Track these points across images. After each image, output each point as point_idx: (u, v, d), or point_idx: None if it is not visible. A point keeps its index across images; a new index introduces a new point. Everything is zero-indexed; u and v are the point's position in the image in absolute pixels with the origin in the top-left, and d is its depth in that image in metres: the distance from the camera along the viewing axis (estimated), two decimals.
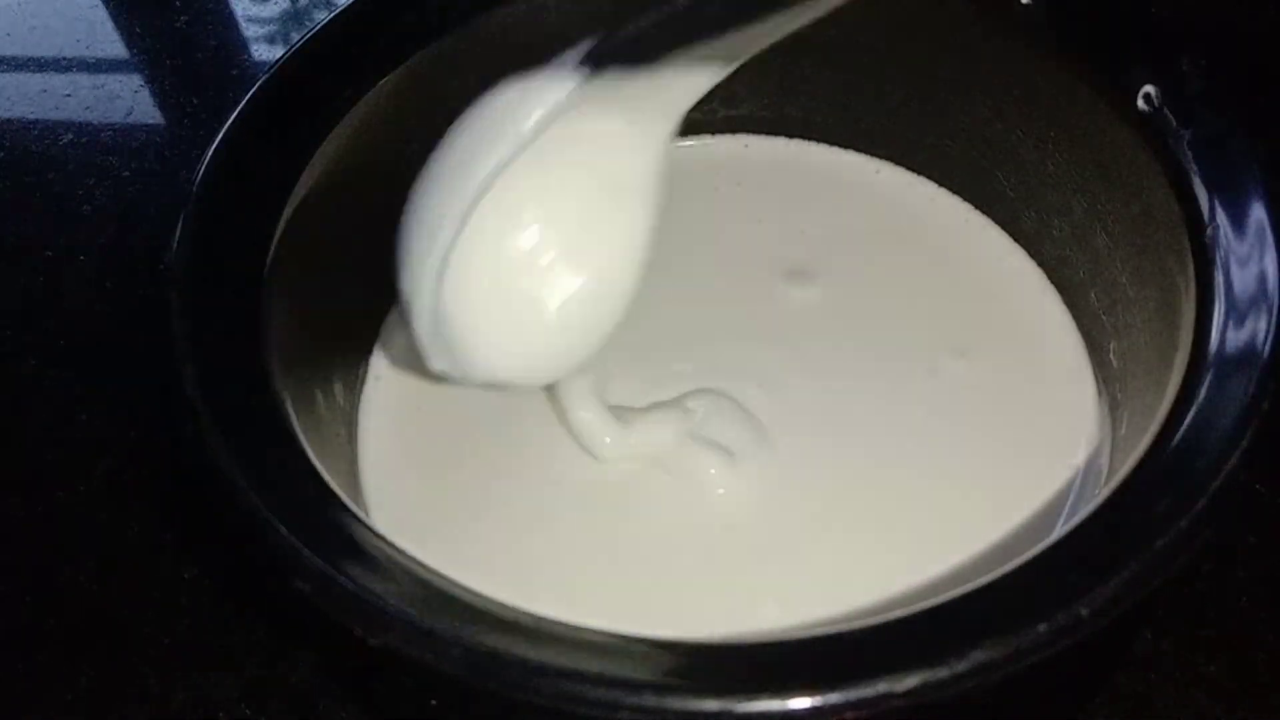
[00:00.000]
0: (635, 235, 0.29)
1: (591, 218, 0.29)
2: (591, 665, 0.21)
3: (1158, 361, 0.28)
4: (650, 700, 0.20)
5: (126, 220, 0.46)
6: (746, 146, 0.41)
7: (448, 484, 0.33)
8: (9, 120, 0.51)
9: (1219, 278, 0.26)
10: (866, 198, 0.39)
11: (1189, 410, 0.24)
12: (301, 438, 0.26)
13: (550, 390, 0.33)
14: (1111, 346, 0.33)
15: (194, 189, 0.29)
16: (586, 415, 0.32)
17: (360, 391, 0.35)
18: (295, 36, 0.32)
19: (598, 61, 0.26)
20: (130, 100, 0.51)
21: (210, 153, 0.30)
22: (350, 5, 0.33)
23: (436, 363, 0.29)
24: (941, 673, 0.20)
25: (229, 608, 0.34)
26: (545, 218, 0.28)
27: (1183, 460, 0.23)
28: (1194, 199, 0.28)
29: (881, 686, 0.20)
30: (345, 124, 0.31)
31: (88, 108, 0.51)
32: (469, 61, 0.34)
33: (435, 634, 0.21)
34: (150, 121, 0.51)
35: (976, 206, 0.38)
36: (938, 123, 0.37)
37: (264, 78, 0.31)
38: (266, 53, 0.53)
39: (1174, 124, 0.29)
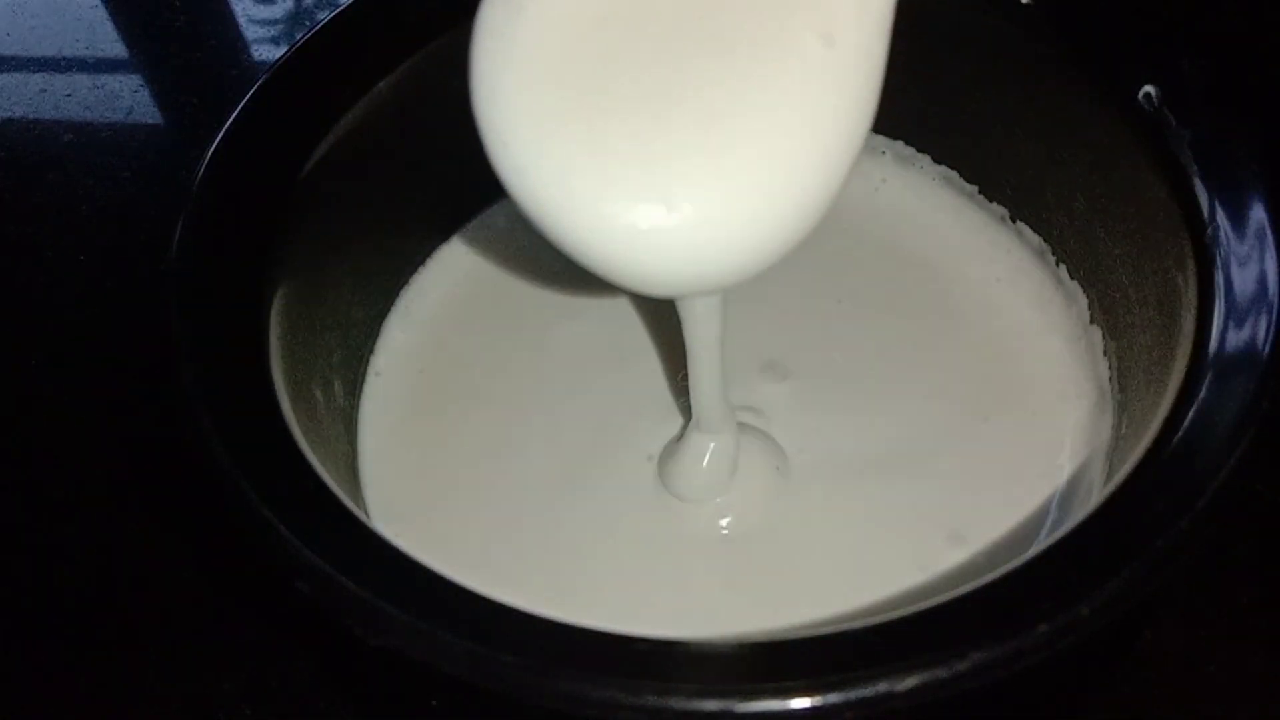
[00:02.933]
0: (860, 87, 0.22)
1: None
2: (592, 665, 0.21)
3: (1158, 361, 0.28)
4: (650, 700, 0.20)
5: (126, 220, 0.46)
6: None
7: (448, 483, 0.33)
8: (9, 120, 0.51)
9: (1219, 278, 0.26)
10: (865, 193, 0.39)
11: (1189, 410, 0.24)
12: (301, 437, 0.26)
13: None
14: (1111, 346, 0.33)
15: (194, 189, 0.29)
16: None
17: (360, 391, 0.35)
18: (297, 36, 0.32)
19: None
20: (130, 100, 0.51)
21: (210, 153, 0.30)
22: (350, 5, 0.33)
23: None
24: (942, 673, 0.20)
25: (229, 608, 0.34)
26: None
27: (1183, 460, 0.23)
28: (1194, 199, 0.28)
29: (882, 686, 0.20)
30: (345, 123, 0.31)
31: (88, 108, 0.51)
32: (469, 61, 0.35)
33: (435, 634, 0.21)
34: (150, 121, 0.51)
35: (975, 206, 0.38)
36: (936, 122, 0.37)
37: (264, 77, 0.31)
38: (267, 53, 0.53)
39: (1174, 124, 0.29)
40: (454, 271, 0.38)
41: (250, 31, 0.54)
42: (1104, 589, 0.21)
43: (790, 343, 0.35)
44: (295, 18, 0.55)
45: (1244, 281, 0.26)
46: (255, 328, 0.27)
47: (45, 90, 0.52)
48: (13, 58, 0.54)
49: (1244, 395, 0.24)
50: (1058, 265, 0.36)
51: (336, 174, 0.31)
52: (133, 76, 0.53)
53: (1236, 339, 0.25)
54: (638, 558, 0.31)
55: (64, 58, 0.53)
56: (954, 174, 0.38)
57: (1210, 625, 0.32)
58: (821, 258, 0.38)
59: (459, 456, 0.34)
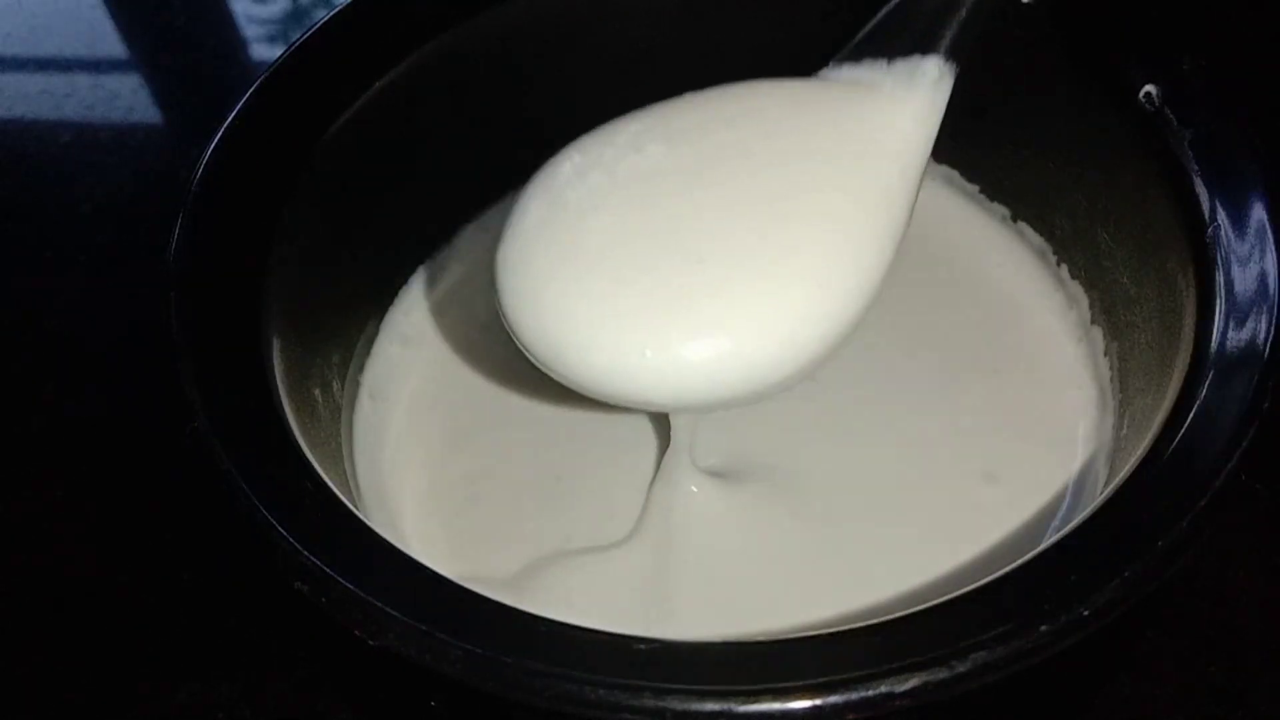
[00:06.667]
0: (877, 245, 0.25)
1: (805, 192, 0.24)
2: (591, 665, 0.21)
3: (1158, 362, 0.28)
4: (650, 700, 0.20)
5: (126, 220, 0.46)
6: None
7: (446, 483, 0.33)
8: (9, 120, 0.51)
9: (1219, 278, 0.26)
10: None
11: (1189, 410, 0.24)
12: (300, 438, 0.26)
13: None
14: (1112, 347, 0.33)
15: (194, 189, 0.29)
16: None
17: (358, 391, 0.35)
18: (295, 36, 0.32)
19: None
20: (130, 100, 0.51)
21: (210, 152, 0.30)
22: (348, 4, 0.33)
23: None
24: (942, 673, 0.20)
25: (229, 608, 0.34)
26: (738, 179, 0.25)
27: (1183, 460, 0.23)
28: (1194, 199, 0.28)
29: (882, 687, 0.20)
30: (344, 123, 0.31)
31: (88, 108, 0.51)
32: (468, 60, 0.35)
33: (435, 634, 0.21)
34: (150, 121, 0.51)
35: (975, 206, 0.38)
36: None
37: (263, 77, 0.31)
38: (266, 53, 0.53)
39: (1174, 124, 0.29)
40: (453, 271, 0.38)
41: (250, 31, 0.54)
42: (1105, 589, 0.21)
43: None
44: (294, 17, 0.55)
45: (1244, 281, 0.26)
46: (254, 328, 0.27)
47: (45, 90, 0.52)
48: (13, 58, 0.54)
49: (1244, 395, 0.24)
50: (1059, 265, 0.36)
51: (335, 173, 0.31)
52: (133, 76, 0.53)
53: (1236, 339, 0.25)
54: (641, 559, 0.31)
55: (64, 58, 0.53)
56: (955, 173, 0.38)
57: (1210, 625, 0.32)
58: None
59: (458, 456, 0.34)
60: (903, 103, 0.27)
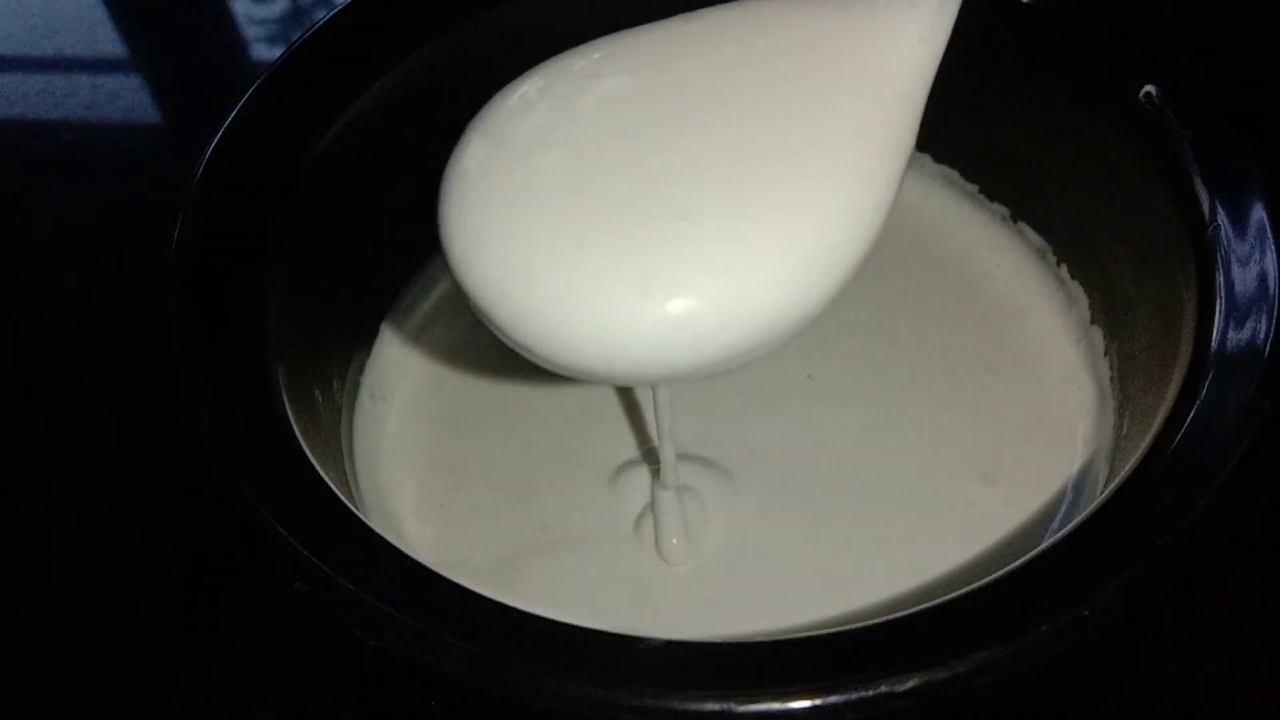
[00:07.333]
0: (878, 185, 0.22)
1: (802, 124, 0.22)
2: (591, 665, 0.21)
3: (1158, 362, 0.28)
4: (650, 700, 0.20)
5: (126, 220, 0.46)
6: None
7: (442, 481, 0.33)
8: (9, 120, 0.51)
9: (1220, 278, 0.26)
10: None
11: (1190, 410, 0.24)
12: (300, 437, 0.26)
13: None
14: (1112, 347, 0.33)
15: (194, 189, 0.29)
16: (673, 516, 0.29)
17: (358, 391, 0.35)
18: (295, 36, 0.32)
19: None
20: (130, 100, 0.51)
21: (210, 152, 0.30)
22: (349, 4, 0.33)
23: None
24: (942, 673, 0.20)
25: (229, 608, 0.34)
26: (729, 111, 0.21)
27: (1183, 460, 0.23)
28: (1194, 199, 0.28)
29: (882, 687, 0.20)
30: (344, 123, 0.31)
31: (88, 108, 0.51)
32: (468, 60, 0.35)
33: (435, 634, 0.21)
34: (150, 121, 0.51)
35: (975, 206, 0.38)
36: (936, 121, 0.37)
37: (263, 77, 0.31)
38: (266, 53, 0.53)
39: (1174, 124, 0.29)
40: None
41: (250, 31, 0.54)
42: (1105, 589, 0.21)
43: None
44: (294, 18, 0.55)
45: (1244, 281, 0.26)
46: (255, 328, 0.27)
47: (45, 90, 0.52)
48: (13, 58, 0.54)
49: (1244, 395, 0.24)
50: (1059, 265, 0.36)
51: (336, 172, 0.31)
52: (133, 76, 0.53)
53: (1237, 339, 0.25)
54: (641, 560, 0.31)
55: (64, 58, 0.53)
56: (954, 173, 0.38)
57: (1210, 625, 0.32)
58: None
59: (457, 456, 0.34)
60: (905, 20, 0.24)
